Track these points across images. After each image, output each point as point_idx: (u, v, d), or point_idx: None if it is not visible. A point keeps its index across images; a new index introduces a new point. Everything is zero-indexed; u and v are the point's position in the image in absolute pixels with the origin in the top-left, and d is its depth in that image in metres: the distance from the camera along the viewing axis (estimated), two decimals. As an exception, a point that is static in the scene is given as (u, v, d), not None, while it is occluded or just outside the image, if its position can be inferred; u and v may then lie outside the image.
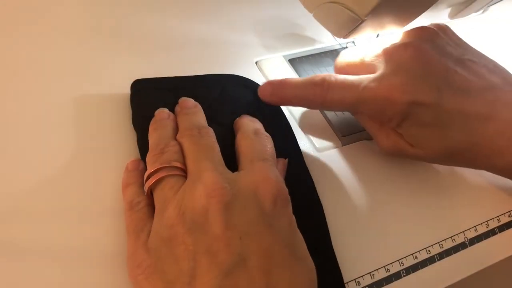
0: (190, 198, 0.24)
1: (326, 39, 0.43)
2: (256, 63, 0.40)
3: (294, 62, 0.41)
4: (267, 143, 0.29)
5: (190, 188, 0.25)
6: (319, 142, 0.35)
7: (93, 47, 0.37)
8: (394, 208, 0.33)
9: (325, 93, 0.31)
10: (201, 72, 0.35)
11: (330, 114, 0.37)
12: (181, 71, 0.35)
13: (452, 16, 0.45)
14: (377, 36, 0.39)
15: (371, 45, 0.34)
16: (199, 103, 0.32)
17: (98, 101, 0.33)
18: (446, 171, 0.36)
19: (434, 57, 0.31)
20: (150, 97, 0.32)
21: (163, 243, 0.24)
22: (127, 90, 0.33)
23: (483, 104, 0.30)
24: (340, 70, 0.35)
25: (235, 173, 0.26)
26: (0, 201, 0.27)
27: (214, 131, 0.29)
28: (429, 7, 0.33)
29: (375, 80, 0.31)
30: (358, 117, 0.34)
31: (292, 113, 0.37)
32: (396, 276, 0.30)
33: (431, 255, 0.31)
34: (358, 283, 0.29)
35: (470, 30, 0.48)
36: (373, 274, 0.29)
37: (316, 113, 0.37)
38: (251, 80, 0.36)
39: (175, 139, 0.29)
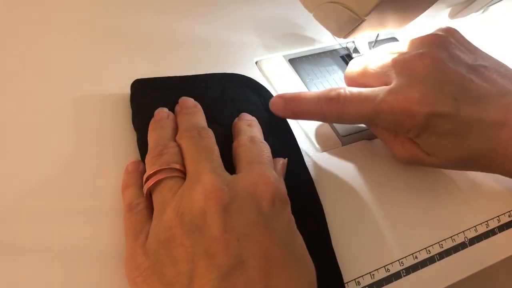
0: (188, 200, 0.24)
1: (326, 39, 0.43)
2: (256, 63, 0.40)
3: (294, 62, 0.41)
4: (264, 149, 0.29)
5: (189, 190, 0.25)
6: (319, 142, 0.35)
7: (93, 47, 0.37)
8: (394, 208, 0.33)
9: (342, 108, 0.31)
10: (201, 72, 0.35)
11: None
12: (181, 71, 0.35)
13: (452, 16, 0.45)
14: (377, 36, 0.39)
15: (379, 53, 0.34)
16: (199, 103, 0.32)
17: (98, 101, 0.33)
18: (446, 171, 0.36)
19: (449, 67, 0.31)
20: (150, 97, 0.32)
21: (162, 245, 0.24)
22: (127, 90, 0.33)
23: (497, 110, 0.30)
24: (351, 80, 0.35)
25: (234, 175, 0.26)
26: (0, 201, 0.27)
27: (214, 131, 0.29)
28: (429, 7, 0.33)
29: (391, 92, 0.30)
30: (372, 128, 0.34)
31: (292, 113, 0.37)
32: (396, 276, 0.30)
33: (431, 255, 0.31)
34: (358, 283, 0.29)
35: (470, 30, 0.48)
36: (373, 274, 0.29)
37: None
38: (252, 79, 0.36)
39: (175, 139, 0.29)
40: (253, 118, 0.32)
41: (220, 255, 0.22)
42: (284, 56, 0.41)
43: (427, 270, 0.31)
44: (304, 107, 0.32)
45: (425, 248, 0.31)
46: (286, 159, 0.31)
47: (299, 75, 0.40)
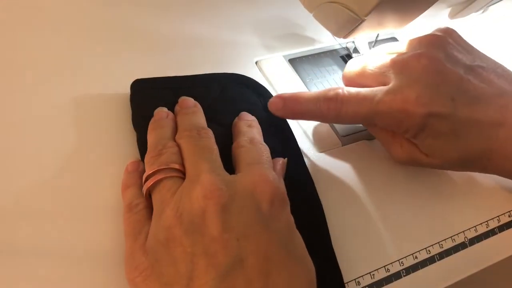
0: (187, 199, 0.24)
1: (326, 39, 0.43)
2: (256, 63, 0.40)
3: (294, 62, 0.41)
4: (263, 151, 0.29)
5: (188, 189, 0.25)
6: (319, 142, 0.35)
7: (93, 47, 0.37)
8: (394, 208, 0.33)
9: (339, 107, 0.31)
10: (201, 72, 0.35)
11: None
12: (181, 71, 0.35)
13: (452, 16, 0.45)
14: (377, 36, 0.39)
15: (378, 53, 0.34)
16: (199, 103, 0.32)
17: (98, 101, 0.33)
18: (446, 171, 0.36)
19: (447, 67, 0.31)
20: (150, 97, 0.32)
21: (161, 245, 0.24)
22: (127, 90, 0.33)
23: (495, 111, 0.30)
24: (349, 80, 0.35)
25: (233, 175, 0.26)
26: (0, 201, 0.27)
27: (214, 131, 0.29)
28: (429, 7, 0.33)
29: (389, 92, 0.30)
30: (370, 129, 0.34)
31: (292, 113, 0.37)
32: (396, 276, 0.30)
33: (431, 255, 0.31)
34: (358, 283, 0.29)
35: (470, 30, 0.48)
36: (373, 274, 0.29)
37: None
38: (251, 79, 0.36)
39: (174, 139, 0.29)
40: (253, 118, 0.32)
41: (219, 255, 0.22)
42: (284, 56, 0.41)
43: (427, 270, 0.31)
44: (302, 107, 0.32)
45: (425, 248, 0.31)
46: (286, 159, 0.31)
47: (299, 75, 0.40)
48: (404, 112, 0.30)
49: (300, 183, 0.31)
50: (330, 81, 0.40)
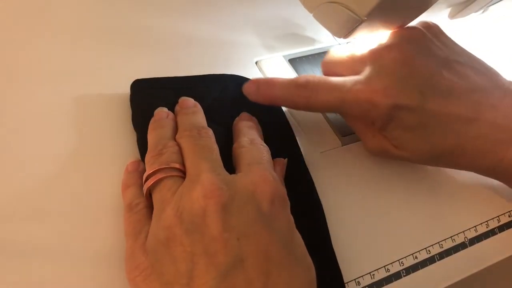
0: (187, 199, 0.24)
1: (326, 39, 0.43)
2: (256, 63, 0.40)
3: (294, 62, 0.41)
4: (264, 151, 0.29)
5: (188, 189, 0.25)
6: (319, 142, 0.35)
7: (93, 47, 0.37)
8: (394, 208, 0.33)
9: (309, 95, 0.31)
10: (201, 72, 0.35)
11: (330, 114, 0.37)
12: (181, 71, 0.35)
13: (452, 16, 0.45)
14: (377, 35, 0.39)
15: (360, 44, 0.34)
16: (199, 103, 0.32)
17: (98, 101, 0.33)
18: (446, 171, 0.36)
19: (418, 59, 0.31)
20: (150, 97, 0.32)
21: (161, 245, 0.24)
22: (127, 90, 0.33)
23: (467, 106, 0.30)
24: (326, 67, 0.35)
25: (233, 175, 0.26)
26: (0, 201, 0.27)
27: (214, 131, 0.29)
28: (429, 7, 0.33)
29: (358, 82, 0.30)
30: (345, 118, 0.34)
31: (292, 113, 0.37)
32: (396, 276, 0.30)
33: (431, 255, 0.31)
34: (358, 283, 0.29)
35: (470, 30, 0.48)
36: (373, 274, 0.29)
37: (316, 113, 0.37)
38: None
39: (174, 139, 0.29)
40: (254, 119, 0.33)
41: (219, 254, 0.22)
42: (284, 56, 0.41)
43: (427, 270, 0.31)
44: (274, 92, 0.32)
45: (425, 248, 0.31)
46: (286, 159, 0.31)
47: (299, 75, 0.40)
48: (371, 103, 0.30)
49: (300, 183, 0.31)
50: (330, 81, 0.40)
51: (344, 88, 0.31)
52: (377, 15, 0.30)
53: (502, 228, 0.34)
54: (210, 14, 0.43)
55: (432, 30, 0.33)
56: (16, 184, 0.28)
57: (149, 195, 0.27)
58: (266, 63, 0.40)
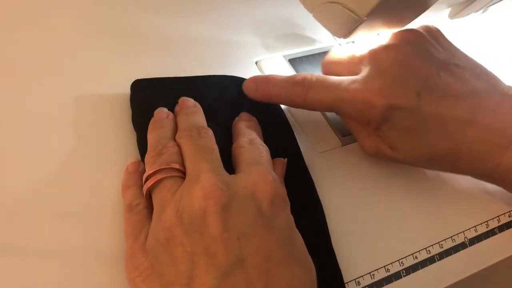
0: (187, 199, 0.24)
1: (326, 39, 0.43)
2: (256, 63, 0.40)
3: (294, 62, 0.41)
4: (263, 151, 0.29)
5: (188, 189, 0.25)
6: (319, 142, 0.35)
7: (93, 47, 0.37)
8: (394, 208, 0.33)
9: (306, 93, 0.31)
10: (201, 72, 0.35)
11: (330, 114, 0.37)
12: (181, 71, 0.35)
13: (452, 16, 0.45)
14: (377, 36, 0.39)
15: (360, 45, 0.34)
16: (199, 103, 0.32)
17: (98, 101, 0.33)
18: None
19: (416, 61, 0.30)
20: (150, 97, 0.32)
21: (161, 245, 0.24)
22: (127, 90, 0.33)
23: (464, 109, 0.30)
24: (326, 68, 0.35)
25: (233, 175, 0.26)
26: (0, 201, 0.27)
27: (214, 131, 0.29)
28: (429, 7, 0.33)
29: (355, 81, 0.30)
30: (341, 118, 0.34)
31: (292, 113, 0.37)
32: (396, 276, 0.30)
33: (431, 255, 0.31)
34: (358, 283, 0.29)
35: (470, 30, 0.48)
36: (373, 274, 0.29)
37: (316, 113, 0.37)
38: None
39: (174, 139, 0.29)
40: (253, 119, 0.33)
41: (219, 255, 0.22)
42: (284, 56, 0.41)
43: (427, 270, 0.31)
44: (272, 90, 0.32)
45: (425, 248, 0.31)
46: (286, 159, 0.31)
47: (297, 73, 0.40)
48: (366, 103, 0.30)
49: (300, 183, 0.31)
50: (330, 81, 0.40)
51: (341, 87, 0.31)
52: (377, 15, 0.30)
53: (502, 228, 0.34)
54: (210, 14, 0.43)
55: (432, 33, 0.33)
56: (16, 184, 0.28)
57: (149, 196, 0.27)
58: (266, 63, 0.40)
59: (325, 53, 0.42)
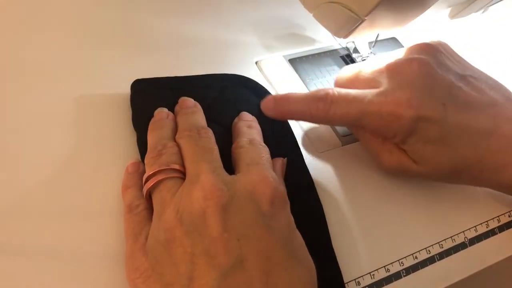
0: (187, 200, 0.24)
1: (326, 39, 0.43)
2: (256, 63, 0.40)
3: (294, 62, 0.41)
4: (263, 151, 0.29)
5: (188, 190, 0.25)
6: (319, 143, 0.35)
7: (93, 47, 0.37)
8: (394, 208, 0.33)
9: (328, 107, 0.31)
10: (201, 72, 0.35)
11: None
12: (181, 71, 0.35)
13: (452, 16, 0.45)
14: (377, 36, 0.39)
15: (371, 61, 0.34)
16: (199, 103, 0.32)
17: (98, 101, 0.33)
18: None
19: (438, 72, 0.31)
20: (150, 97, 0.32)
21: (161, 246, 0.24)
22: (127, 90, 0.33)
23: (486, 119, 0.30)
24: (341, 86, 0.35)
25: (233, 175, 0.26)
26: (0, 201, 0.27)
27: (214, 131, 0.29)
28: (429, 7, 0.33)
29: (380, 94, 0.30)
30: (359, 135, 0.34)
31: (292, 113, 0.37)
32: (396, 276, 0.30)
33: (431, 255, 0.31)
34: (358, 283, 0.29)
35: (470, 30, 0.48)
36: (373, 274, 0.29)
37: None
38: (252, 80, 0.36)
39: (174, 139, 0.29)
40: (253, 119, 0.32)
41: (219, 255, 0.22)
42: (284, 56, 0.41)
43: (427, 270, 0.31)
44: (292, 107, 0.32)
45: (425, 248, 0.31)
46: (286, 159, 0.31)
47: (299, 75, 0.40)
48: (394, 114, 0.29)
49: (300, 183, 0.31)
50: (330, 81, 0.40)
51: (365, 100, 0.30)
52: (377, 15, 0.30)
53: (502, 228, 0.34)
54: (210, 14, 0.43)
55: (445, 47, 0.33)
56: (16, 184, 0.28)
57: (149, 197, 0.27)
58: (266, 63, 0.40)
59: (325, 53, 0.42)
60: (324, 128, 0.36)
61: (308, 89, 0.39)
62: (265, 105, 0.33)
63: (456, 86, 0.30)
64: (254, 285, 0.22)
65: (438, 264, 0.31)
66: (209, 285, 0.22)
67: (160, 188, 0.26)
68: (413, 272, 0.30)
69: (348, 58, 0.42)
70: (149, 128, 0.30)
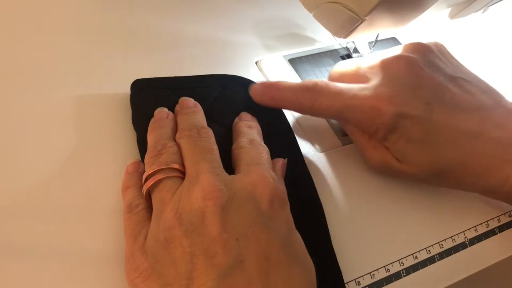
0: (187, 200, 0.24)
1: (326, 39, 0.43)
2: (256, 63, 0.40)
3: (294, 62, 0.41)
4: (263, 152, 0.29)
5: (187, 190, 0.25)
6: (319, 143, 0.35)
7: (93, 47, 0.37)
8: (394, 208, 0.33)
9: (315, 98, 0.31)
10: (201, 72, 0.35)
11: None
12: (181, 71, 0.35)
13: (452, 16, 0.45)
14: (377, 36, 0.39)
15: (366, 57, 0.34)
16: (199, 103, 0.32)
17: (98, 101, 0.33)
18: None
19: (425, 71, 0.31)
20: (150, 97, 0.32)
21: (160, 246, 0.24)
22: (127, 90, 0.33)
23: (473, 121, 0.30)
24: (334, 80, 0.35)
25: (232, 175, 0.26)
26: (0, 201, 0.27)
27: (214, 131, 0.29)
28: (429, 7, 0.33)
29: (364, 89, 0.30)
30: (347, 129, 0.34)
31: (292, 113, 0.37)
32: (396, 276, 0.30)
33: (431, 255, 0.31)
34: (358, 283, 0.29)
35: (470, 30, 0.48)
36: (373, 274, 0.29)
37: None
38: (252, 81, 0.36)
39: (174, 139, 0.29)
40: (253, 118, 0.33)
41: (219, 255, 0.22)
42: (284, 56, 0.41)
43: (427, 270, 0.31)
44: (280, 95, 0.32)
45: (425, 248, 0.31)
46: (286, 159, 0.31)
47: (299, 75, 0.40)
48: (375, 110, 0.30)
49: (300, 183, 0.31)
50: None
51: (350, 93, 0.30)
52: (377, 15, 0.30)
53: (502, 228, 0.34)
54: (210, 14, 0.43)
55: (438, 47, 0.34)
56: (16, 184, 0.28)
57: (148, 196, 0.27)
58: (266, 63, 0.40)
59: (325, 53, 0.42)
60: (324, 128, 0.36)
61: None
62: (254, 91, 0.33)
63: (444, 87, 0.30)
64: (253, 285, 0.22)
65: (438, 264, 0.31)
66: (208, 285, 0.22)
67: (160, 187, 0.26)
68: (413, 272, 0.30)
69: (348, 58, 0.42)
70: (149, 128, 0.30)
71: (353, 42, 0.40)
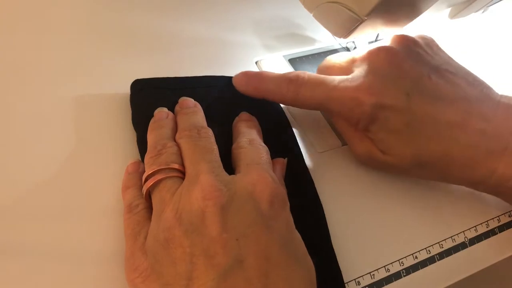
0: (186, 200, 0.24)
1: (326, 39, 0.43)
2: (256, 63, 0.40)
3: (294, 62, 0.41)
4: (263, 152, 0.29)
5: (187, 190, 0.25)
6: (319, 142, 0.35)
7: (93, 47, 0.37)
8: (394, 208, 0.33)
9: (298, 89, 0.31)
10: (201, 72, 0.35)
11: (330, 114, 0.37)
12: (181, 71, 0.35)
13: (452, 16, 0.45)
14: (377, 36, 0.39)
15: (353, 51, 0.34)
16: (199, 103, 0.32)
17: (98, 101, 0.33)
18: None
19: (407, 63, 0.31)
20: (150, 97, 0.32)
21: (160, 246, 0.24)
22: (127, 90, 0.33)
23: (456, 112, 0.30)
24: (322, 73, 0.35)
25: (232, 175, 0.26)
26: (0, 201, 0.27)
27: (214, 131, 0.29)
28: (429, 7, 0.33)
29: (345, 80, 0.31)
30: (334, 121, 0.34)
31: (292, 113, 0.37)
32: (396, 276, 0.30)
33: (431, 255, 0.31)
34: (358, 283, 0.29)
35: (470, 30, 0.48)
36: (373, 274, 0.29)
37: (316, 112, 0.37)
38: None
39: (174, 139, 0.29)
40: (253, 118, 0.33)
41: (218, 255, 0.22)
42: (284, 56, 0.41)
43: (427, 270, 0.31)
44: (264, 85, 0.32)
45: (425, 248, 0.31)
46: (286, 159, 0.31)
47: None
48: (355, 100, 0.30)
49: (300, 183, 0.31)
50: (330, 81, 0.40)
51: (331, 85, 0.31)
52: (377, 15, 0.30)
53: (502, 228, 0.34)
54: (210, 14, 0.43)
55: (426, 40, 0.34)
56: (16, 184, 0.28)
57: (148, 196, 0.27)
58: (266, 63, 0.40)
59: (325, 53, 0.42)
60: (324, 128, 0.36)
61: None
62: (237, 81, 0.33)
63: (426, 77, 0.30)
64: (253, 285, 0.22)
65: (438, 264, 0.31)
66: (208, 285, 0.22)
67: (160, 187, 0.26)
68: (413, 272, 0.30)
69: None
70: (149, 128, 0.30)
71: (353, 42, 0.40)
